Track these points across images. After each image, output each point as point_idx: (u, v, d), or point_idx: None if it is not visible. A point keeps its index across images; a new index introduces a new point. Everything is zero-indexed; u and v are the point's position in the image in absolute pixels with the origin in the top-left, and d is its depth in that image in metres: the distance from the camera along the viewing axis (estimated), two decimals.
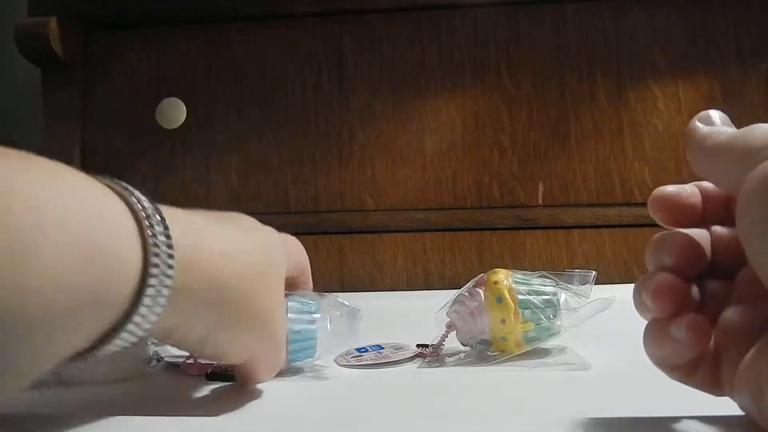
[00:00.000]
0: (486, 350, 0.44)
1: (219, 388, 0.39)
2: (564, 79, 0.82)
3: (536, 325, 0.42)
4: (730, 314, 0.27)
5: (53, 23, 0.82)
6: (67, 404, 0.36)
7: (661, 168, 0.79)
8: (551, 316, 0.43)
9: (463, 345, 0.44)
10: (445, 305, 0.45)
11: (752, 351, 0.24)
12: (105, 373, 0.39)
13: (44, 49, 0.83)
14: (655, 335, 0.27)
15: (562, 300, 0.43)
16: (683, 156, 0.79)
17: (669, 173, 0.79)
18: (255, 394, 0.37)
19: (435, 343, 0.44)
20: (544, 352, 0.44)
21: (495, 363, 0.42)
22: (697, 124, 0.29)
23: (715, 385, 0.27)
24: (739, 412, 0.26)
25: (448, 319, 0.44)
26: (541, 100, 0.82)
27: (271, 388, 0.38)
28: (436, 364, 0.43)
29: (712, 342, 0.27)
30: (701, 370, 0.27)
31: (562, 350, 0.44)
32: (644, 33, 0.81)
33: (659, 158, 0.80)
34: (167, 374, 0.42)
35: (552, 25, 0.83)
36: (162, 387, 0.40)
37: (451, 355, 0.44)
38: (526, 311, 0.42)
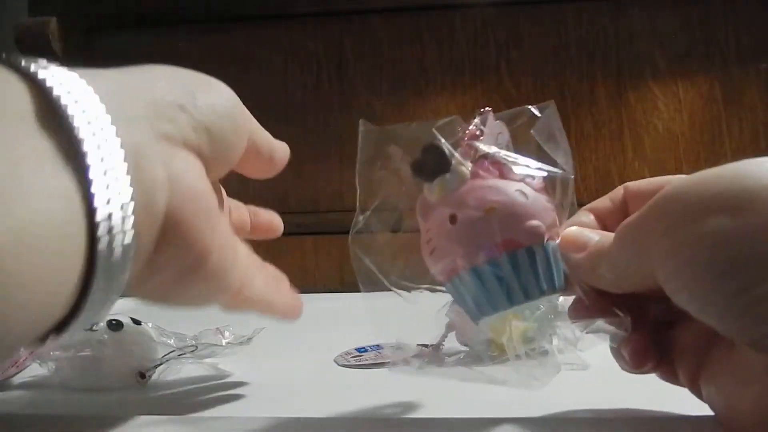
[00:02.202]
0: (486, 350, 0.44)
1: (214, 386, 0.39)
2: (564, 79, 0.82)
3: (536, 324, 0.42)
4: (678, 332, 0.29)
5: (53, 23, 0.82)
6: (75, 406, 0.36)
7: (661, 168, 0.79)
8: (551, 316, 0.42)
9: (463, 345, 0.44)
10: (445, 305, 0.45)
11: (706, 371, 0.27)
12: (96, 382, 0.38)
13: (44, 49, 0.83)
14: (614, 354, 0.31)
15: (560, 300, 0.43)
16: (683, 156, 0.79)
17: (669, 173, 0.78)
18: (252, 391, 0.37)
19: (435, 343, 0.44)
20: (544, 352, 0.44)
21: (495, 363, 0.42)
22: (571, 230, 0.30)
23: (676, 382, 0.30)
24: None
25: (448, 319, 0.44)
26: (541, 100, 0.82)
27: (269, 387, 0.38)
28: (436, 364, 0.43)
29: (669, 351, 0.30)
30: (662, 372, 0.30)
31: (561, 350, 0.44)
32: (644, 33, 0.81)
33: (659, 158, 0.80)
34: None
35: (552, 25, 0.83)
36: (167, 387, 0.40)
37: (450, 355, 0.44)
38: (526, 311, 0.42)
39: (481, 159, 0.30)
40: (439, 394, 0.37)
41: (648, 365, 0.30)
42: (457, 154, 0.29)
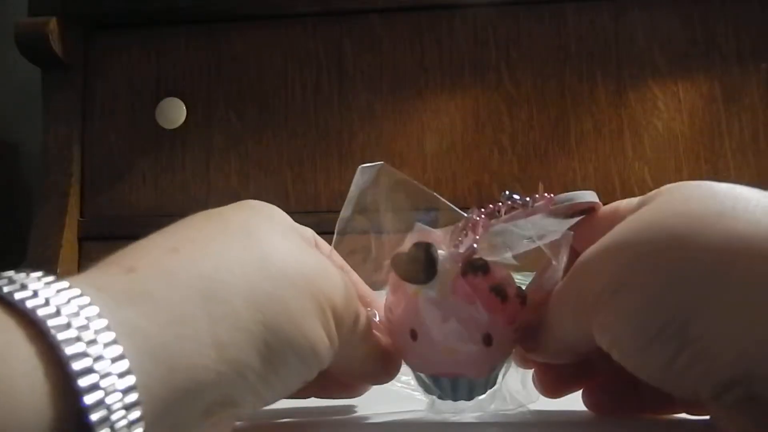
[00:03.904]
0: None
1: None
2: (564, 79, 0.82)
3: None
4: None
5: (53, 23, 0.82)
6: None
7: (661, 168, 0.79)
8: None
9: None
10: None
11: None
12: None
13: (44, 49, 0.83)
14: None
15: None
16: (683, 156, 0.79)
17: (669, 173, 0.79)
18: None
19: None
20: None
21: None
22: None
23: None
24: None
25: None
26: (541, 100, 0.82)
27: None
28: None
29: None
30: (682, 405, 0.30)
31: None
32: (644, 33, 0.81)
33: (659, 158, 0.80)
34: None
35: (552, 25, 0.83)
36: None
37: None
38: None
39: (472, 273, 0.28)
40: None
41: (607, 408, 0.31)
42: (443, 263, 0.28)
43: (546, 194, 0.30)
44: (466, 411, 0.32)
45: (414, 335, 0.29)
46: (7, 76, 1.12)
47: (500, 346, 0.29)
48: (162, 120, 0.85)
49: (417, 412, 0.33)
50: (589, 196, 0.31)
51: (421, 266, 0.28)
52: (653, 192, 0.27)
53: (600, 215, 0.31)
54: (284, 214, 0.28)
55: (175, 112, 0.85)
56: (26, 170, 1.11)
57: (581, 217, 0.32)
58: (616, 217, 0.28)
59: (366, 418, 0.33)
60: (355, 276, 0.32)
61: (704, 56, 0.80)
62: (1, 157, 1.09)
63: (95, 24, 0.88)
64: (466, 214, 0.30)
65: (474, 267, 0.28)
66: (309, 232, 0.30)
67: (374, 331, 0.30)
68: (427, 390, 0.31)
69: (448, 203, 0.31)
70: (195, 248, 0.23)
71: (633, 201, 0.28)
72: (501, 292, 0.28)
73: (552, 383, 0.32)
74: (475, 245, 0.28)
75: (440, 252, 0.28)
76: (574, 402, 0.33)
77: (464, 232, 0.29)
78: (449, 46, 0.84)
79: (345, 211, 0.31)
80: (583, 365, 0.31)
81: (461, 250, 0.28)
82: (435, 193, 0.31)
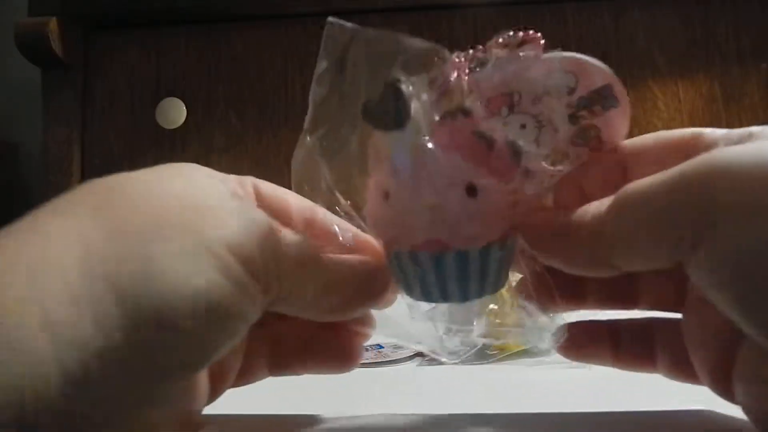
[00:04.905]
0: (485, 349, 0.44)
1: None
2: None
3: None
4: (686, 320, 0.25)
5: (53, 23, 0.82)
6: None
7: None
8: (550, 315, 0.43)
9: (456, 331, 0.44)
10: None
11: (737, 369, 0.23)
12: None
13: (44, 49, 0.83)
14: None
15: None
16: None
17: None
18: (251, 389, 0.37)
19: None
20: (544, 350, 0.44)
21: (494, 361, 0.42)
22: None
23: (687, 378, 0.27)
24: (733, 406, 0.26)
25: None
26: None
27: (269, 385, 0.38)
28: (435, 362, 0.43)
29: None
30: (663, 365, 0.27)
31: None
32: (644, 33, 0.81)
33: None
34: None
35: (552, 25, 0.83)
36: None
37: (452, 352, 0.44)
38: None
39: (450, 116, 0.24)
40: (439, 391, 0.37)
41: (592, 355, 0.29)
42: (417, 107, 0.23)
43: (532, 32, 0.25)
44: (473, 333, 0.29)
45: (386, 195, 0.24)
46: (7, 76, 1.12)
47: (489, 207, 0.23)
48: (162, 120, 0.85)
49: (415, 414, 0.33)
50: (598, 63, 0.25)
51: (391, 106, 0.23)
52: (759, 127, 0.22)
53: (676, 137, 0.27)
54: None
55: (175, 112, 0.85)
56: (26, 170, 1.11)
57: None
58: (701, 143, 0.24)
59: (352, 413, 0.33)
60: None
61: (704, 56, 0.80)
62: (1, 157, 1.09)
63: (95, 24, 0.88)
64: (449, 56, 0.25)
65: (453, 109, 0.24)
66: (230, 177, 0.26)
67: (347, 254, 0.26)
68: (408, 288, 0.26)
69: (436, 45, 0.26)
70: (18, 237, 0.21)
71: (719, 131, 0.24)
72: (485, 137, 0.23)
73: (545, 293, 0.28)
74: (450, 80, 0.24)
75: (416, 104, 0.24)
76: (577, 403, 0.33)
77: (445, 75, 0.25)
78: (449, 46, 0.84)
79: (320, 90, 0.26)
80: (576, 286, 0.28)
81: (437, 90, 0.24)
82: (421, 39, 0.26)
